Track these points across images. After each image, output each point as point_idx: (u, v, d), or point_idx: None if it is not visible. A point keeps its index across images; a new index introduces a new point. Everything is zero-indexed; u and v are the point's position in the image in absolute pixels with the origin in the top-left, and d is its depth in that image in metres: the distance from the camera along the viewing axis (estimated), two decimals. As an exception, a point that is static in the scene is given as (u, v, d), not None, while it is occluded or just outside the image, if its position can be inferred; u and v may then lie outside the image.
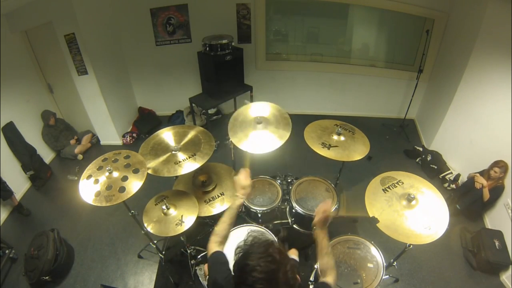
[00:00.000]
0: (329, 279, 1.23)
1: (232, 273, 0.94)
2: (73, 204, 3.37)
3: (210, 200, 2.41)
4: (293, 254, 2.12)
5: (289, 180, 2.91)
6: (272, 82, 4.67)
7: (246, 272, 0.85)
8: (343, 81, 4.61)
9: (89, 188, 1.92)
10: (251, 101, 4.40)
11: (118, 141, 4.42)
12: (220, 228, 1.37)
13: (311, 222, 2.42)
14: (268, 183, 2.69)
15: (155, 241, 2.50)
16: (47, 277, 2.56)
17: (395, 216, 1.80)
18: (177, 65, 4.50)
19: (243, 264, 0.87)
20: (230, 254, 2.05)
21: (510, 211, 2.73)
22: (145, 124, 4.67)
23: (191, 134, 2.39)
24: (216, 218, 2.81)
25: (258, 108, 2.49)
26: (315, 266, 1.97)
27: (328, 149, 2.30)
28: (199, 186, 2.48)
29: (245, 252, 0.90)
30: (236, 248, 0.95)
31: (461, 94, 3.47)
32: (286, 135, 2.27)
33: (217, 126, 4.51)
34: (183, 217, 2.14)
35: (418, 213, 1.80)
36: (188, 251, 2.54)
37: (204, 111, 4.16)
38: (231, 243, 2.14)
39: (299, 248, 2.27)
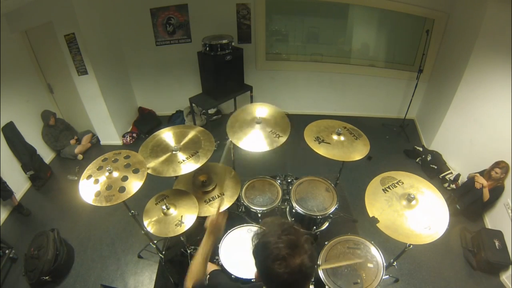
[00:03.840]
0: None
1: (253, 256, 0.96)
2: (73, 204, 3.37)
3: (210, 200, 2.41)
4: None
5: (289, 180, 2.91)
6: (272, 82, 4.67)
7: (270, 248, 0.87)
8: (343, 81, 4.61)
9: (89, 188, 1.92)
10: (251, 101, 4.42)
11: (118, 141, 4.42)
12: (195, 268, 1.29)
13: (311, 222, 2.45)
14: (268, 183, 2.69)
15: (155, 241, 2.50)
16: (47, 277, 2.56)
17: (395, 216, 1.80)
18: (177, 65, 4.49)
19: (265, 243, 0.89)
20: (230, 255, 2.06)
21: (510, 211, 2.73)
22: (145, 124, 4.67)
23: (191, 134, 2.39)
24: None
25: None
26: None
27: (319, 143, 2.34)
28: (199, 186, 2.48)
29: (263, 233, 0.93)
30: (253, 236, 0.97)
31: (461, 94, 3.47)
32: (280, 141, 2.33)
33: (217, 126, 4.51)
34: (183, 218, 2.14)
35: (418, 213, 1.80)
36: (188, 251, 2.54)
37: (204, 111, 4.16)
38: (231, 243, 2.16)
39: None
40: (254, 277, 0.99)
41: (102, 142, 4.49)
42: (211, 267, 1.48)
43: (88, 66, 3.66)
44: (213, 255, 2.18)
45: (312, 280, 1.99)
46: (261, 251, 0.90)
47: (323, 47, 4.53)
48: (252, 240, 0.96)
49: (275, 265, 0.84)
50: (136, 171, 2.01)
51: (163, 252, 2.66)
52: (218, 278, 1.27)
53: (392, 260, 2.21)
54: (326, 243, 2.09)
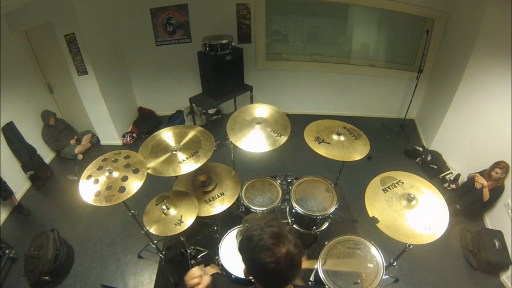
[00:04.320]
0: None
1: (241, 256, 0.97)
2: (73, 204, 3.37)
3: (210, 200, 2.41)
4: None
5: (289, 180, 2.91)
6: (272, 82, 4.67)
7: (254, 240, 0.88)
8: (343, 81, 4.61)
9: (89, 188, 1.92)
10: (251, 101, 4.42)
11: (118, 141, 4.42)
12: None
13: (311, 222, 2.44)
14: (268, 183, 2.69)
15: (155, 241, 2.50)
16: (47, 277, 2.56)
17: (395, 216, 1.80)
18: (177, 65, 4.49)
19: (249, 236, 0.90)
20: (230, 255, 2.06)
21: (510, 211, 2.73)
22: (145, 124, 4.67)
23: (191, 134, 2.39)
24: (216, 218, 2.84)
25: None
26: (315, 266, 1.97)
27: (319, 143, 2.34)
28: (199, 186, 2.48)
29: (246, 228, 0.94)
30: (236, 233, 0.98)
31: (461, 94, 3.47)
32: (282, 140, 2.32)
33: (217, 126, 4.51)
34: (182, 217, 2.14)
35: (418, 213, 1.80)
36: (188, 251, 2.54)
37: (204, 111, 4.16)
38: (231, 243, 2.16)
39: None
40: (243, 274, 0.99)
41: (102, 142, 4.49)
42: (210, 270, 1.48)
43: (88, 66, 3.66)
44: (213, 255, 2.19)
45: (312, 280, 1.99)
46: (246, 245, 0.91)
47: (323, 47, 4.53)
48: (236, 237, 0.96)
49: (261, 255, 0.85)
50: (136, 171, 2.01)
51: (163, 252, 2.66)
52: (218, 282, 1.27)
53: (392, 260, 2.21)
54: (326, 243, 2.09)
